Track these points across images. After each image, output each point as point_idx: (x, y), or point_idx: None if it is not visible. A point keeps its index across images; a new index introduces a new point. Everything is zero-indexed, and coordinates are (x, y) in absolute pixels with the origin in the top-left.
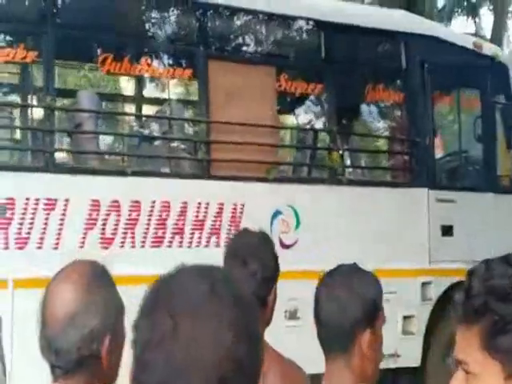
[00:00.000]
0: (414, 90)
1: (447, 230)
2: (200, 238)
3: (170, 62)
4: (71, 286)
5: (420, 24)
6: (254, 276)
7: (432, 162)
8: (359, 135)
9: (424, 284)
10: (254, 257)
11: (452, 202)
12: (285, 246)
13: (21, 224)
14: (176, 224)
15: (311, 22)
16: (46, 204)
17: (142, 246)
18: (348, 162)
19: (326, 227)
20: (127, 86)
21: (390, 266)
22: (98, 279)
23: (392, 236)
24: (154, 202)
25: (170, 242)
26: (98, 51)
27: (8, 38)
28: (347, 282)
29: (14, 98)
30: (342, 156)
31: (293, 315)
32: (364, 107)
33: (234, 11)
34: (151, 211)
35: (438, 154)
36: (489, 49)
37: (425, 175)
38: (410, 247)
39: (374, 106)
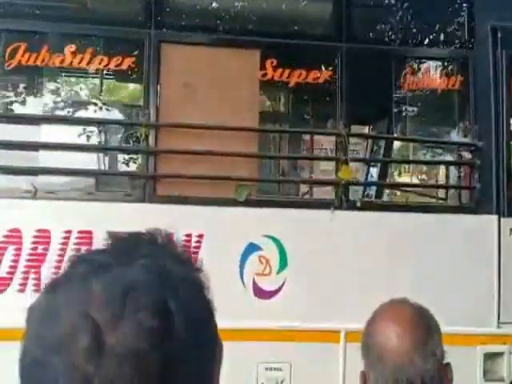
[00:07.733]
0: (477, 69)
1: None
2: None
3: (106, 48)
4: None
5: None
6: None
7: (504, 177)
8: (383, 138)
9: (488, 356)
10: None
11: None
12: (262, 295)
13: None
14: None
15: None
16: None
17: None
18: (367, 177)
19: (326, 269)
20: (40, 81)
21: None
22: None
23: (440, 286)
24: (68, 231)
25: None
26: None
27: None
28: None
29: None
30: (354, 168)
31: None
32: (394, 96)
33: None
34: (64, 244)
35: None
36: None
37: (493, 197)
38: (468, 302)
39: (409, 95)
